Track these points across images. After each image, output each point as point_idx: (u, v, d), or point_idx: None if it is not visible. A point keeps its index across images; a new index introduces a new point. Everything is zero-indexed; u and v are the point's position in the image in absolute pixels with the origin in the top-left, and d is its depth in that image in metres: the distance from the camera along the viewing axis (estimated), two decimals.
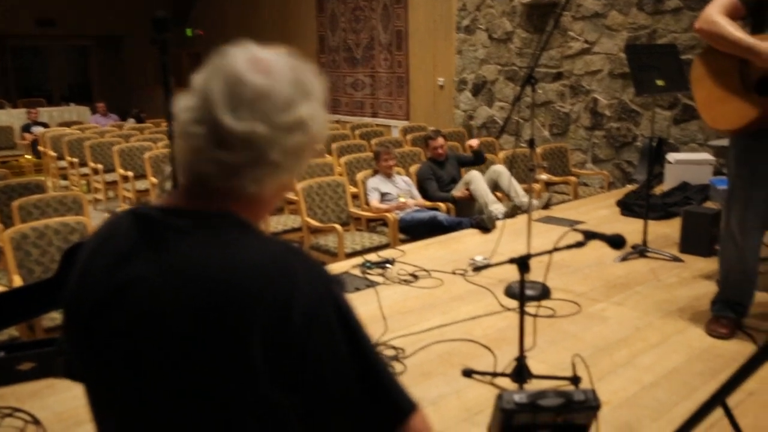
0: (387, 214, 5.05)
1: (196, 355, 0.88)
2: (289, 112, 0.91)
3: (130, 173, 7.22)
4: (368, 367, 0.92)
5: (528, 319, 2.56)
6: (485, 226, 4.82)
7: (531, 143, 3.47)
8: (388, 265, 3.95)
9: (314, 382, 0.89)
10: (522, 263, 2.29)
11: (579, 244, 2.11)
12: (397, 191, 5.33)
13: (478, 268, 2.60)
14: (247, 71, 0.90)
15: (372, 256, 4.14)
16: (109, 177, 7.66)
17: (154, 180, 6.70)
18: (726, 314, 3.01)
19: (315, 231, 4.94)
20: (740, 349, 2.84)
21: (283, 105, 0.91)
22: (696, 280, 3.73)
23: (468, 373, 2.60)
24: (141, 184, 7.16)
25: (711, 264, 3.91)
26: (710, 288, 3.50)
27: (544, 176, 6.06)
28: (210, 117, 0.90)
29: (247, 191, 0.93)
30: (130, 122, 11.38)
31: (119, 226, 0.98)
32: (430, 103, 9.12)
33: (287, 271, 0.90)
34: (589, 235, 2.05)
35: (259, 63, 0.92)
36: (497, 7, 7.98)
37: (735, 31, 2.68)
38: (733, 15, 2.71)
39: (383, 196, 5.29)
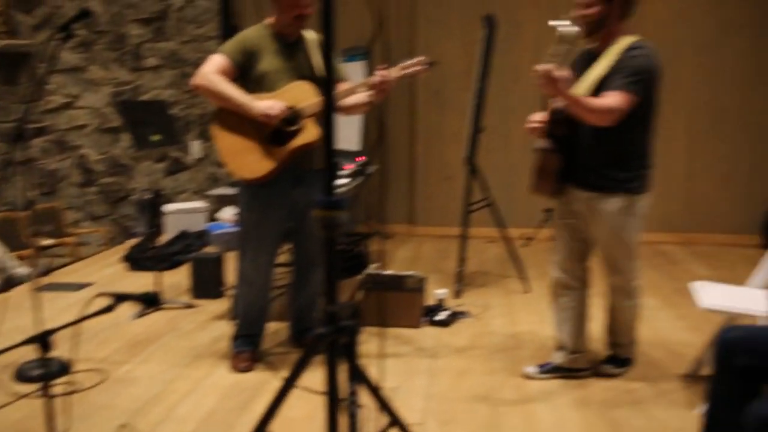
0: None
1: None
2: None
3: None
4: None
5: (51, 402, 2.29)
6: None
7: (28, 205, 3.15)
8: None
9: None
10: (43, 341, 2.05)
11: (108, 309, 2.01)
12: None
13: None
14: None
15: None
16: None
17: None
18: (245, 348, 3.25)
19: None
20: (262, 378, 3.11)
21: None
22: (212, 322, 3.93)
23: None
24: None
25: (222, 305, 4.19)
26: (225, 328, 3.75)
27: (50, 241, 5.55)
28: None
29: None
30: None
31: None
32: None
33: None
34: (120, 298, 1.98)
35: None
36: None
37: (229, 88, 2.96)
38: (226, 75, 2.98)
39: None
